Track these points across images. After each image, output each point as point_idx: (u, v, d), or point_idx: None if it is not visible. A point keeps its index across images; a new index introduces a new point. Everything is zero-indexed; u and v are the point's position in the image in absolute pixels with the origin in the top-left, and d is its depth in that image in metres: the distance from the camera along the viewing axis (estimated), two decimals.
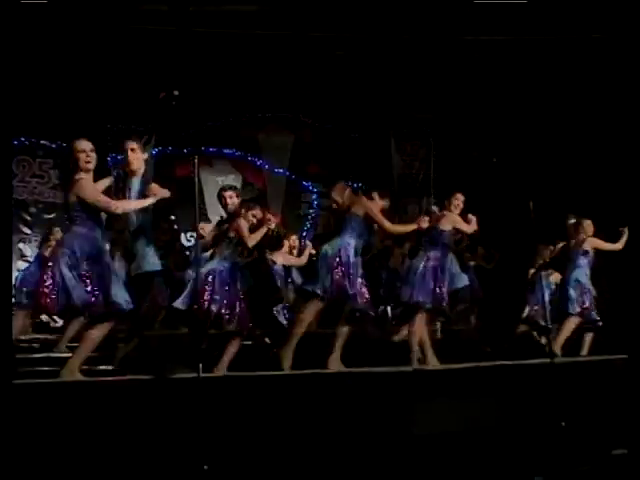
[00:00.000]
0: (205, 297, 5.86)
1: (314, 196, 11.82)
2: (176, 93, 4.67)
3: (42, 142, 10.28)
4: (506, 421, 4.45)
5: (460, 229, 6.91)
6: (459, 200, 6.95)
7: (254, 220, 6.36)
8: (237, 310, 5.96)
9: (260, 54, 8.77)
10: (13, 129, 5.00)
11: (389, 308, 9.94)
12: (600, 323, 7.66)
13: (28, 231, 9.98)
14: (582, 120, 9.37)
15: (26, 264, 8.97)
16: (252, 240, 6.21)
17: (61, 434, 3.59)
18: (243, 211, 6.33)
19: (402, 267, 7.77)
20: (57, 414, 3.73)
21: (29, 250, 9.67)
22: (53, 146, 10.28)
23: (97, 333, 5.03)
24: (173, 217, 6.34)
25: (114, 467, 3.54)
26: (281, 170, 11.67)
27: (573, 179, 9.38)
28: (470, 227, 6.91)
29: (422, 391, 4.79)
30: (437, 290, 6.69)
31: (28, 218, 10.07)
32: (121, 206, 5.31)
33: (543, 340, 8.03)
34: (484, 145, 9.34)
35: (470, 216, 6.94)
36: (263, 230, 6.33)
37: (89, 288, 4.93)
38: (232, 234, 6.16)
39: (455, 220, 6.86)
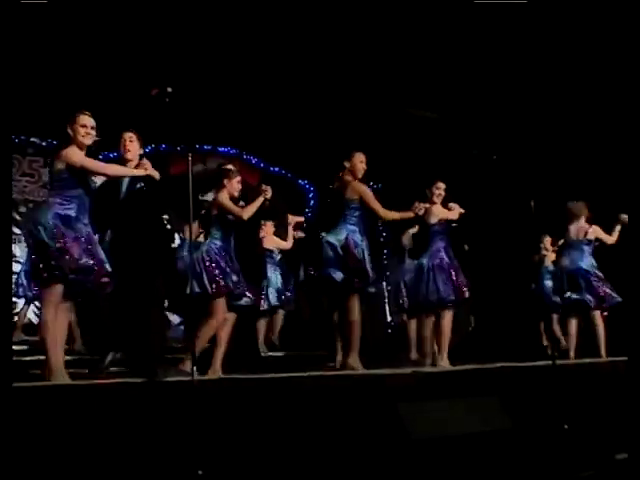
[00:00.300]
0: (216, 277, 5.83)
1: (310, 195, 11.82)
2: (169, 90, 4.66)
3: (32, 140, 10.24)
4: (507, 425, 4.44)
5: (447, 218, 6.93)
6: (440, 189, 6.98)
7: (239, 187, 6.26)
8: (243, 283, 5.95)
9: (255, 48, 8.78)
10: (13, 128, 5.00)
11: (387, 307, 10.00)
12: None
13: (18, 231, 9.93)
14: (584, 117, 9.38)
15: (17, 265, 8.96)
16: (247, 213, 6.07)
17: (51, 440, 3.57)
18: (225, 181, 6.20)
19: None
20: (46, 419, 3.70)
21: (19, 250, 9.63)
22: (44, 144, 10.23)
23: (51, 314, 5.00)
24: (166, 216, 6.28)
25: (106, 472, 3.52)
26: (277, 168, 11.68)
27: (575, 177, 9.40)
28: (455, 213, 6.91)
29: (420, 393, 4.78)
30: (455, 281, 6.72)
31: (18, 218, 10.02)
32: (111, 169, 5.32)
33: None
34: (484, 143, 9.34)
35: (451, 204, 6.94)
36: (259, 201, 6.16)
37: (64, 253, 4.90)
38: (215, 211, 6.06)
39: (440, 212, 6.89)
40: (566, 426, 4.52)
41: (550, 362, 5.08)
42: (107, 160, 6.38)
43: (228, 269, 5.84)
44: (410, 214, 6.48)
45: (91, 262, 5.00)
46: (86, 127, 5.14)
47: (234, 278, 5.83)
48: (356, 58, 9.15)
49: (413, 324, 7.87)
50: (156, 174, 5.57)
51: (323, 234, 6.26)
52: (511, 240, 9.38)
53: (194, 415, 3.74)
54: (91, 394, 4.37)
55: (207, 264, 5.81)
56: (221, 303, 5.81)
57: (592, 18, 8.08)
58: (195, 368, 4.30)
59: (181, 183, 4.83)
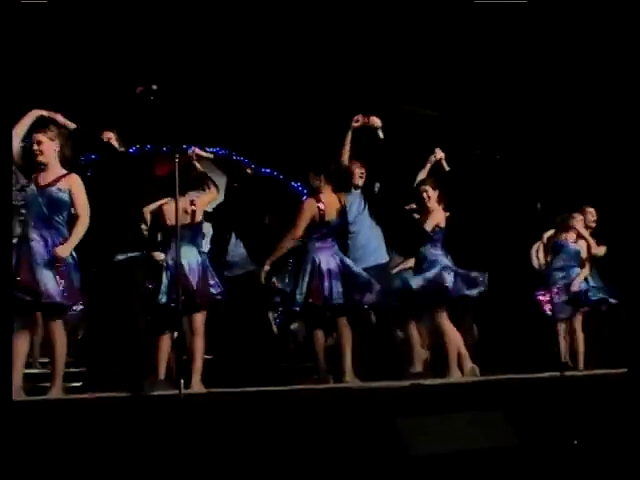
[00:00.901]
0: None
1: (304, 197, 11.80)
2: (155, 87, 4.65)
3: None
4: (512, 441, 4.42)
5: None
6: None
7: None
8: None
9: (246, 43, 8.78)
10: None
11: None
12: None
13: None
14: (590, 115, 9.41)
15: None
16: (214, 192, 6.35)
17: (32, 457, 3.55)
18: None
19: None
20: (28, 434, 3.68)
21: None
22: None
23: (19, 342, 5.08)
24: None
25: None
26: (268, 170, 11.65)
27: (583, 177, 9.41)
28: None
29: (421, 408, 4.76)
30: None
31: None
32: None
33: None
34: (487, 142, 9.37)
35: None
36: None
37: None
38: (199, 218, 6.16)
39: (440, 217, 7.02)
40: (576, 442, 4.51)
41: (558, 373, 5.08)
42: (89, 162, 6.36)
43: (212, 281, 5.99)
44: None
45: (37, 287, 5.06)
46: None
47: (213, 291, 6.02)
48: (353, 55, 9.15)
49: (415, 335, 7.85)
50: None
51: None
52: (516, 245, 9.37)
53: (181, 431, 3.73)
54: (73, 409, 4.35)
55: (198, 278, 5.93)
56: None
57: (594, 16, 8.14)
58: (183, 382, 4.30)
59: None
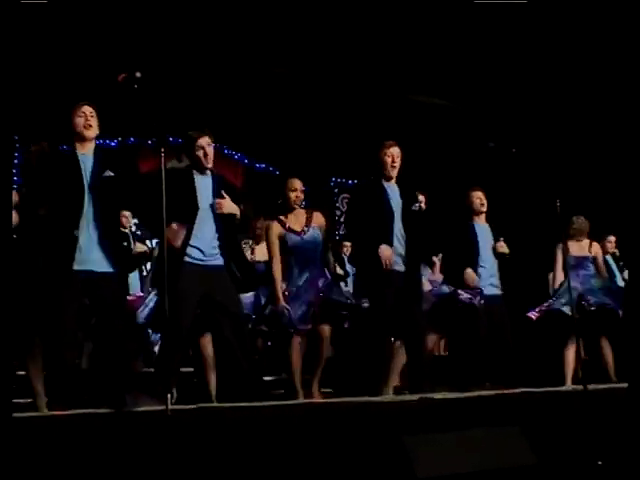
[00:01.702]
0: None
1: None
2: (138, 75, 4.65)
3: None
4: (531, 460, 4.42)
5: None
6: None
7: None
8: None
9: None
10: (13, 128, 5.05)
11: None
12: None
13: None
14: (611, 107, 9.43)
15: None
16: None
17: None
18: None
19: None
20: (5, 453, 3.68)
21: None
22: None
23: None
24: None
25: None
26: (263, 165, 11.67)
27: (603, 172, 9.43)
28: None
29: (428, 424, 4.76)
30: None
31: None
32: None
33: None
34: (501, 134, 9.40)
35: None
36: None
37: None
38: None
39: None
40: (600, 462, 4.50)
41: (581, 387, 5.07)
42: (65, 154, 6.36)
43: None
44: None
45: None
46: None
47: None
48: (353, 44, 9.19)
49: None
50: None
51: None
52: (534, 246, 9.39)
53: (168, 449, 3.72)
54: (52, 426, 4.35)
55: None
56: None
57: (604, 5, 8.19)
58: (170, 396, 4.29)
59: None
